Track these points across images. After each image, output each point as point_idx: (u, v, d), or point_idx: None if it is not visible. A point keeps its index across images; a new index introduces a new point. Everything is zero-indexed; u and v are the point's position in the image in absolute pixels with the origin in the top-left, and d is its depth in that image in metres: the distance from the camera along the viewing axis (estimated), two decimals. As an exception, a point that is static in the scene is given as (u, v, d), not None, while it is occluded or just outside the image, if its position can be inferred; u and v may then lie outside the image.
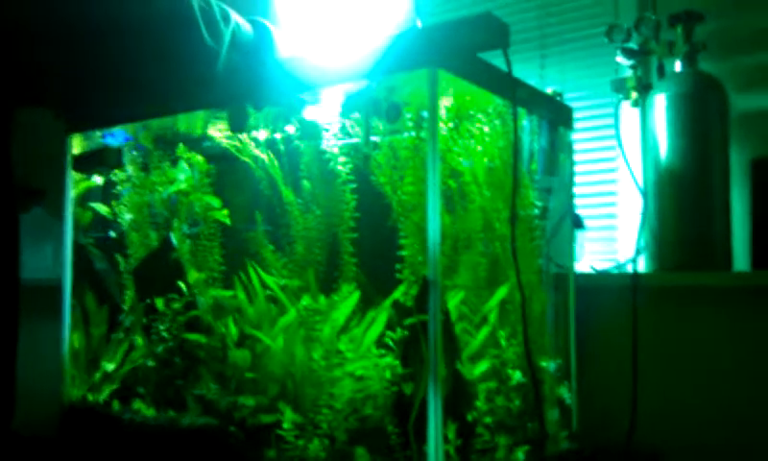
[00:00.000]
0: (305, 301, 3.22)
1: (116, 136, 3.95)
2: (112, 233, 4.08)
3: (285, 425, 3.02)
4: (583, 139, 4.11)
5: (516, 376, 3.12)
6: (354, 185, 3.63)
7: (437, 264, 2.60)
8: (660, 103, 3.31)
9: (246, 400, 3.18)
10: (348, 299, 3.30)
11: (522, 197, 3.47)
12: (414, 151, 3.10)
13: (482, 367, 2.99)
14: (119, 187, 4.06)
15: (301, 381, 3.24)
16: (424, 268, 2.78)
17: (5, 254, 3.28)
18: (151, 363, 3.63)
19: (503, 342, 3.22)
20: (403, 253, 3.16)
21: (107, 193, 4.15)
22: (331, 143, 3.68)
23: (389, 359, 2.95)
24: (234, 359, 3.36)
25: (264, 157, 3.89)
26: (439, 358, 2.55)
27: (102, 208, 4.06)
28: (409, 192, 3.12)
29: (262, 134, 3.92)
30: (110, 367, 3.66)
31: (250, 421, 3.17)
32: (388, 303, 3.14)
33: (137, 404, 3.57)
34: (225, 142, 3.90)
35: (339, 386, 3.07)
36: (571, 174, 3.75)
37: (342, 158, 3.64)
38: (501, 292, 3.25)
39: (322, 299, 3.25)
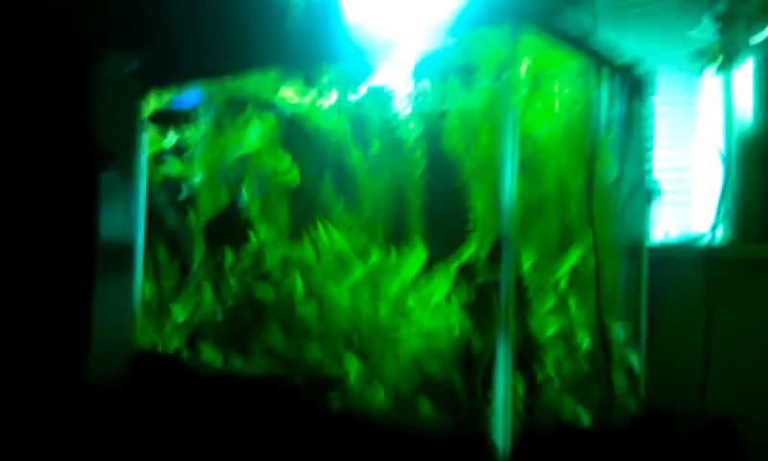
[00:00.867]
0: (374, 257, 3.24)
1: (189, 97, 4.04)
2: (184, 192, 4.17)
3: (351, 377, 3.06)
4: (659, 107, 4.01)
5: (586, 340, 3.08)
6: (423, 148, 3.63)
7: (511, 221, 2.59)
8: (747, 68, 3.19)
9: (313, 350, 3.23)
10: (416, 256, 3.31)
11: (598, 163, 3.41)
12: (490, 110, 3.08)
13: (552, 329, 2.96)
14: (191, 147, 4.14)
15: (368, 336, 3.26)
16: (496, 227, 2.77)
17: (85, 212, 3.40)
18: (219, 315, 3.70)
19: (573, 307, 3.18)
20: (473, 213, 3.15)
21: (179, 153, 4.24)
22: (401, 107, 3.68)
23: (457, 315, 2.95)
24: (301, 313, 3.41)
25: (333, 118, 3.92)
26: (510, 313, 2.54)
27: (174, 167, 4.15)
28: (484, 151, 3.11)
29: (332, 98, 3.95)
30: (181, 317, 3.76)
31: (316, 371, 3.21)
32: (456, 262, 3.14)
33: (206, 353, 3.65)
34: (294, 102, 3.95)
35: (405, 341, 3.09)
36: (647, 142, 3.67)
37: (411, 123, 3.64)
38: (573, 257, 3.21)
39: (391, 254, 3.27)
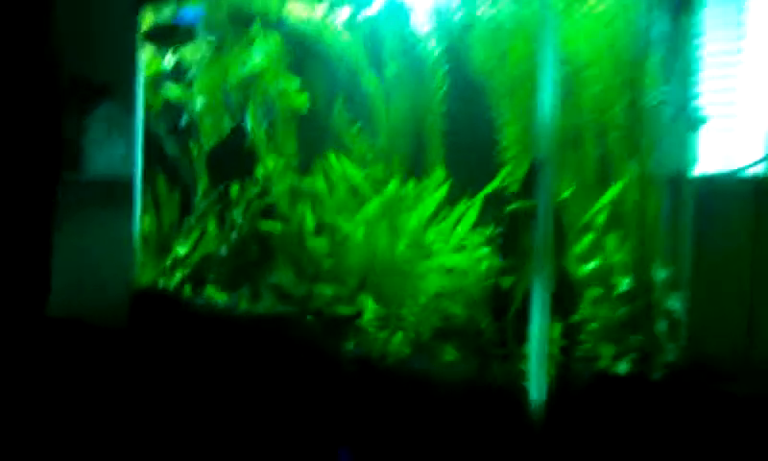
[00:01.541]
0: (391, 188, 2.95)
1: (189, 14, 3.70)
2: (185, 119, 3.86)
3: (366, 317, 2.80)
4: (707, 25, 3.64)
5: (624, 282, 2.81)
6: (445, 68, 3.31)
7: (550, 143, 2.28)
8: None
9: (323, 288, 2.97)
10: (437, 187, 3.03)
11: (641, 86, 3.08)
12: (525, 21, 2.74)
13: (589, 268, 2.68)
14: (192, 70, 3.82)
15: (384, 273, 3.00)
16: (529, 154, 2.47)
17: (44, 141, 3.10)
18: (224, 250, 3.44)
19: (611, 245, 2.90)
20: (503, 137, 2.85)
21: (178, 76, 3.91)
22: (420, 22, 3.35)
23: (483, 250, 2.68)
24: (312, 247, 3.14)
25: (346, 37, 3.59)
26: (548, 248, 2.26)
27: (174, 91, 3.83)
28: (516, 68, 2.78)
29: (344, 14, 3.60)
30: (182, 252, 3.50)
31: (327, 311, 2.96)
32: (482, 193, 2.86)
33: (209, 291, 3.41)
34: (303, 20, 3.61)
35: (425, 279, 2.82)
36: (693, 63, 3.32)
37: (432, 40, 3.31)
38: (613, 190, 2.90)
39: (409, 185, 2.98)
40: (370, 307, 2.79)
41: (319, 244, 3.11)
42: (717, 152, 3.66)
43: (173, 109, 3.91)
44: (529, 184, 2.36)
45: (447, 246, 2.86)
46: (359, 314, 2.82)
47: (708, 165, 3.52)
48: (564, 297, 2.48)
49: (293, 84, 3.57)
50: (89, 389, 2.95)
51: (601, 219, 2.91)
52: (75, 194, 3.59)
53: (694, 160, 3.33)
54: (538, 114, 2.29)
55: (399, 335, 2.70)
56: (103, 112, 3.74)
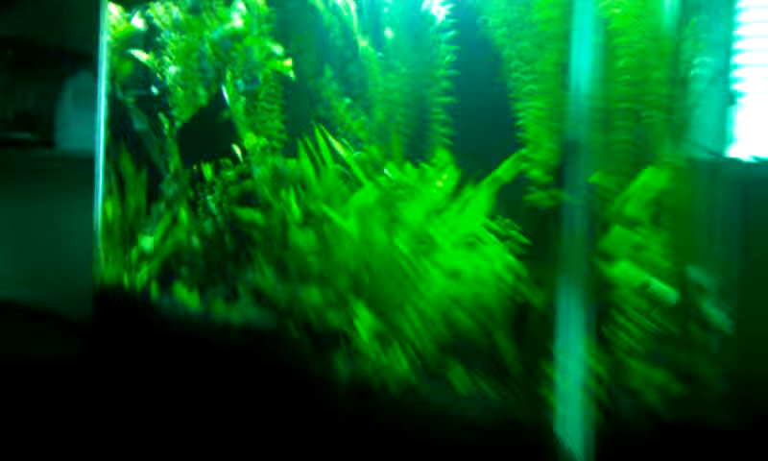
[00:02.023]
0: (391, 171, 2.51)
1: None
2: (155, 89, 3.40)
3: (360, 330, 2.37)
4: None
5: (662, 288, 2.37)
6: (453, 33, 2.84)
7: (586, 123, 1.84)
8: None
9: (310, 292, 2.54)
10: (444, 174, 2.58)
11: (677, 58, 2.62)
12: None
13: (626, 272, 2.25)
14: (163, 34, 3.34)
15: (380, 274, 2.56)
16: (556, 136, 2.03)
17: None
18: (196, 242, 3.00)
19: (637, 239, 2.46)
20: (522, 118, 2.40)
21: (149, 41, 3.44)
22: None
23: (499, 252, 2.24)
24: (296, 241, 2.70)
25: (337, -2, 3.11)
26: (583, 249, 1.82)
27: (143, 57, 3.36)
28: (540, 35, 2.32)
29: None
30: (149, 244, 3.05)
31: (314, 320, 2.53)
32: (498, 183, 2.41)
33: (179, 289, 2.97)
34: (290, -23, 3.13)
35: (430, 285, 2.39)
36: (735, 28, 2.87)
37: None
38: (645, 176, 2.46)
39: (409, 168, 2.54)
40: (364, 318, 2.36)
41: (304, 237, 2.67)
42: (760, 131, 3.21)
43: (141, 78, 3.44)
44: (558, 171, 1.92)
45: (457, 246, 2.42)
46: (353, 326, 2.38)
47: (752, 147, 3.08)
48: (600, 309, 2.05)
49: (276, 49, 3.10)
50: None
51: (630, 210, 2.47)
52: (40, 171, 3.16)
53: (734, 141, 2.89)
54: (571, 87, 1.84)
55: (400, 353, 2.27)
56: (69, 81, 3.28)
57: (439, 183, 2.64)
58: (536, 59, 2.34)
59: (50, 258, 2.95)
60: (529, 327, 2.02)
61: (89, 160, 3.27)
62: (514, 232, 2.29)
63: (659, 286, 2.38)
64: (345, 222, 2.61)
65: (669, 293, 2.37)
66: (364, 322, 2.37)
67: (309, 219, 2.79)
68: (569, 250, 1.78)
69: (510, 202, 2.43)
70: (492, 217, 2.49)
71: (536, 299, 2.04)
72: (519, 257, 2.13)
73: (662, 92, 2.55)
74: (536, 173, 2.21)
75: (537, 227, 2.06)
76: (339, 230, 2.63)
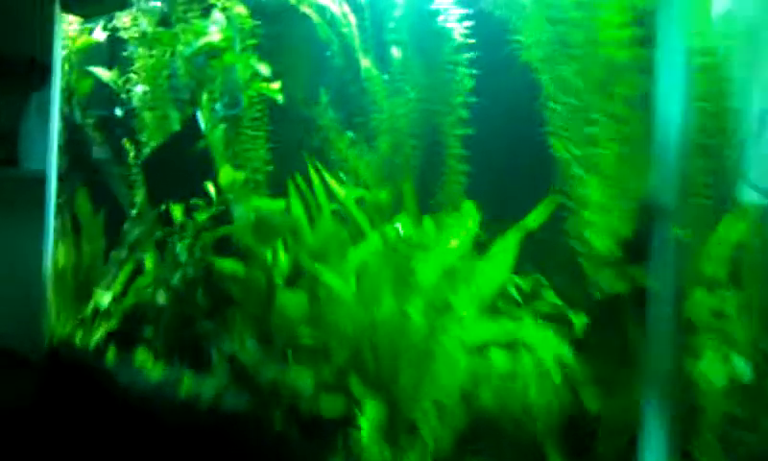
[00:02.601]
0: (402, 224, 2.02)
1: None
2: (119, 111, 2.91)
3: (361, 421, 1.88)
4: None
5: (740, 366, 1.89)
6: (475, 54, 2.40)
7: (675, 175, 1.37)
8: None
9: (300, 375, 2.03)
10: (464, 222, 2.11)
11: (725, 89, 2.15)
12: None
13: (706, 366, 1.76)
14: (129, 46, 2.86)
15: (387, 350, 2.07)
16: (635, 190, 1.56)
17: None
18: (162, 297, 2.49)
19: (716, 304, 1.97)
20: (572, 162, 1.92)
21: (113, 55, 2.95)
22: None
23: (537, 327, 1.76)
24: (284, 305, 2.20)
25: (336, 9, 2.65)
26: (670, 348, 1.34)
27: (105, 75, 2.87)
28: (597, 56, 1.85)
29: None
30: (106, 300, 2.55)
31: (304, 405, 2.03)
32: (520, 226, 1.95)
33: (141, 356, 2.46)
34: (280, -16, 2.67)
35: (450, 366, 1.90)
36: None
37: (457, 10, 2.40)
38: (723, 227, 1.97)
39: (427, 223, 2.06)
40: (370, 406, 1.86)
41: (293, 300, 2.17)
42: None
43: (104, 98, 2.95)
44: (635, 244, 1.44)
45: (483, 315, 1.94)
46: (352, 414, 1.89)
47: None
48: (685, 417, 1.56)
49: (262, 68, 2.61)
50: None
51: (709, 268, 1.99)
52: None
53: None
54: (657, 132, 1.37)
55: (414, 456, 1.78)
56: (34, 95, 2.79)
57: (458, 235, 2.15)
58: (591, 89, 1.87)
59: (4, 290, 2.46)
60: (590, 441, 1.53)
61: (31, 190, 2.77)
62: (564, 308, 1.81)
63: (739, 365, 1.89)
64: (343, 283, 2.11)
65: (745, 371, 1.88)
66: (367, 411, 1.87)
67: (300, 277, 2.29)
68: (654, 349, 1.30)
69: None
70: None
71: (595, 404, 1.56)
72: (573, 345, 1.64)
73: (737, 126, 2.09)
74: (600, 242, 1.72)
75: (600, 310, 1.57)
76: (336, 292, 2.13)
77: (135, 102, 2.83)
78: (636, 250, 1.46)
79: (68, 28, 2.89)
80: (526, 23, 2.13)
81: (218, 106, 2.68)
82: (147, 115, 2.78)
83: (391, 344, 2.03)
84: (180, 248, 2.46)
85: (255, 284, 2.34)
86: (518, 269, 2.16)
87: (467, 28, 2.38)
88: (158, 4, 2.84)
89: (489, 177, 2.43)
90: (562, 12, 1.98)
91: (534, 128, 2.15)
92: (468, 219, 2.15)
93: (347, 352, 2.08)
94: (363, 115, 2.67)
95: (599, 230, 1.71)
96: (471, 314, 2.01)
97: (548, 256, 2.26)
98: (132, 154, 2.78)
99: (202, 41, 2.54)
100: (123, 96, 2.89)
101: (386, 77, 2.61)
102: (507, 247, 2.10)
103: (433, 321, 2.00)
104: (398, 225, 2.05)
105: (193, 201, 2.46)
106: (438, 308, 2.02)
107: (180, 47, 2.69)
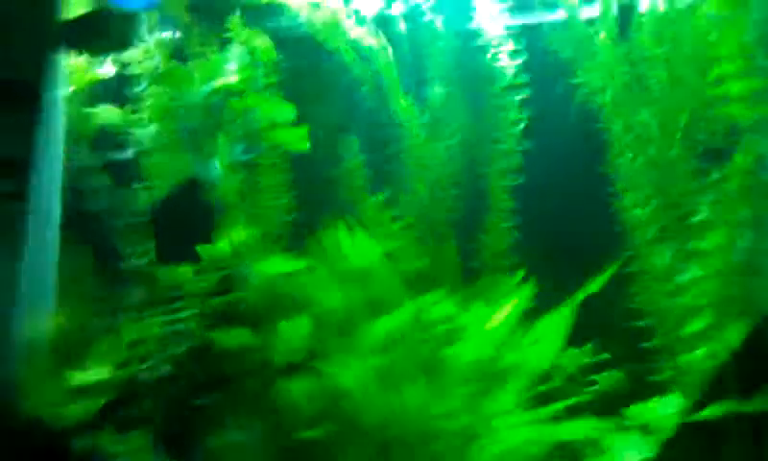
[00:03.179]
0: (440, 301, 1.65)
1: (132, 0, 2.45)
2: (127, 153, 2.62)
3: None
4: None
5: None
6: (527, 94, 2.04)
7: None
8: None
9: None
10: (515, 297, 1.74)
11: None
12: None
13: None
14: (139, 83, 2.57)
15: (416, 453, 1.67)
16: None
17: None
18: (162, 372, 2.16)
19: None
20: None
21: (123, 92, 2.67)
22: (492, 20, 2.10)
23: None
24: (291, 396, 1.82)
25: (371, 42, 2.34)
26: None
27: (110, 114, 2.59)
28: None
29: (369, 5, 2.36)
30: (99, 375, 2.22)
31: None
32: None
33: (135, 442, 2.11)
34: (305, 11, 2.36)
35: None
36: None
37: (509, 45, 2.06)
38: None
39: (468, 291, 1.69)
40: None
41: (299, 388, 1.80)
42: None
43: (110, 140, 2.66)
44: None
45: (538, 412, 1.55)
46: None
47: None
48: None
49: (286, 109, 2.28)
50: None
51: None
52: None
53: None
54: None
55: None
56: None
57: (506, 309, 1.77)
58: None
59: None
60: None
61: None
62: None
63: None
64: (362, 380, 1.72)
65: None
66: None
67: (310, 357, 1.92)
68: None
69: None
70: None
71: None
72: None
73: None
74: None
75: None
76: (358, 379, 1.75)
77: (146, 143, 2.53)
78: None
79: (75, 63, 2.61)
80: (595, 63, 1.76)
81: (236, 150, 2.36)
82: (156, 160, 2.47)
83: (420, 445, 1.64)
84: (184, 315, 2.12)
85: (264, 365, 1.97)
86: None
87: (520, 65, 2.03)
88: (174, 34, 2.56)
89: (540, 235, 2.06)
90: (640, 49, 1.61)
91: (596, 181, 1.78)
92: (519, 289, 1.78)
93: (367, 453, 1.69)
94: (398, 162, 2.32)
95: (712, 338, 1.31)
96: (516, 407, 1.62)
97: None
98: (137, 202, 2.47)
99: (219, 81, 2.23)
100: (132, 137, 2.60)
101: (425, 119, 2.27)
102: (560, 321, 1.71)
103: (472, 420, 1.61)
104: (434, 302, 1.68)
105: (199, 261, 2.12)
106: (477, 403, 1.63)
107: (195, 85, 2.38)
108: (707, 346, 1.30)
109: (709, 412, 1.19)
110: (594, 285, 1.73)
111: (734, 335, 1.22)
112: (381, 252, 2.01)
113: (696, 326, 1.33)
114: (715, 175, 1.36)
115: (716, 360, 1.25)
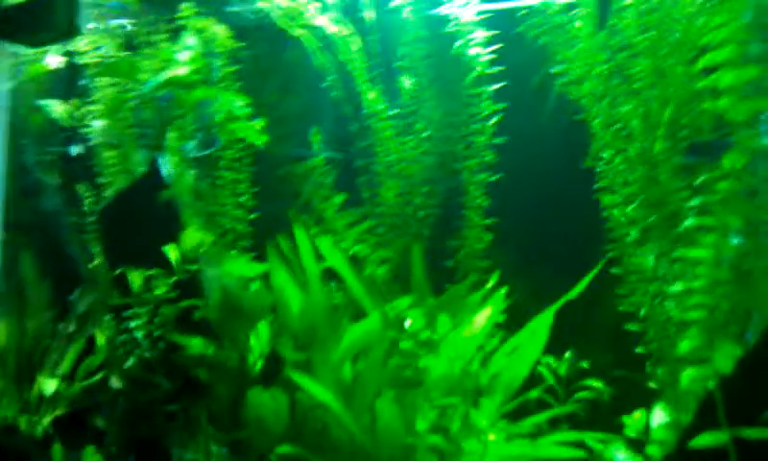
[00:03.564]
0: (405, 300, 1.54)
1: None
2: (75, 149, 2.46)
3: None
4: None
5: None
6: (502, 84, 1.94)
7: None
8: None
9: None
10: (487, 305, 1.63)
11: None
12: None
13: None
14: (87, 75, 2.41)
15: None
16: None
17: None
18: (117, 383, 2.02)
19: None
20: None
21: (72, 84, 2.51)
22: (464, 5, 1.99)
23: None
24: (259, 410, 1.69)
25: (335, 29, 2.21)
26: None
27: (57, 109, 2.42)
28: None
29: None
30: (51, 387, 2.07)
31: None
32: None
33: (90, 458, 1.97)
34: (265, 1, 2.21)
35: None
36: None
37: (480, 32, 1.94)
38: None
39: (442, 319, 1.56)
40: None
41: (269, 406, 1.67)
42: None
43: (57, 135, 2.50)
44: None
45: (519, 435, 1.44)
46: None
47: None
48: None
49: (239, 99, 2.13)
50: None
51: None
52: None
53: None
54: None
55: None
56: None
57: (481, 317, 1.66)
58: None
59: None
60: None
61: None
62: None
63: None
64: (332, 392, 1.60)
65: None
66: None
67: (280, 365, 1.80)
68: None
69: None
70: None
71: None
72: None
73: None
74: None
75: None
76: (321, 386, 1.63)
77: (92, 140, 2.37)
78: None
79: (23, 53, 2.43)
80: (573, 52, 1.64)
81: (189, 146, 2.20)
82: (106, 156, 2.31)
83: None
84: (138, 324, 1.98)
85: (225, 375, 1.84)
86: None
87: (493, 53, 1.91)
88: (124, 22, 2.39)
89: (518, 235, 1.95)
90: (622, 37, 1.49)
91: (575, 178, 1.67)
92: (493, 296, 1.67)
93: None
94: (366, 156, 2.20)
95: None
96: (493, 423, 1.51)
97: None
98: (87, 204, 2.31)
99: (166, 74, 2.06)
100: (81, 132, 2.43)
101: (396, 111, 2.15)
102: (539, 329, 1.61)
103: (447, 436, 1.50)
104: (408, 321, 1.56)
105: (149, 272, 1.97)
106: (452, 418, 1.52)
107: (145, 76, 2.22)
108: (698, 367, 1.20)
109: (703, 441, 1.09)
110: (575, 290, 1.63)
111: (728, 354, 1.12)
112: (346, 254, 1.88)
113: (686, 344, 1.23)
114: (703, 175, 1.26)
115: (708, 381, 1.15)
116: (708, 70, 1.30)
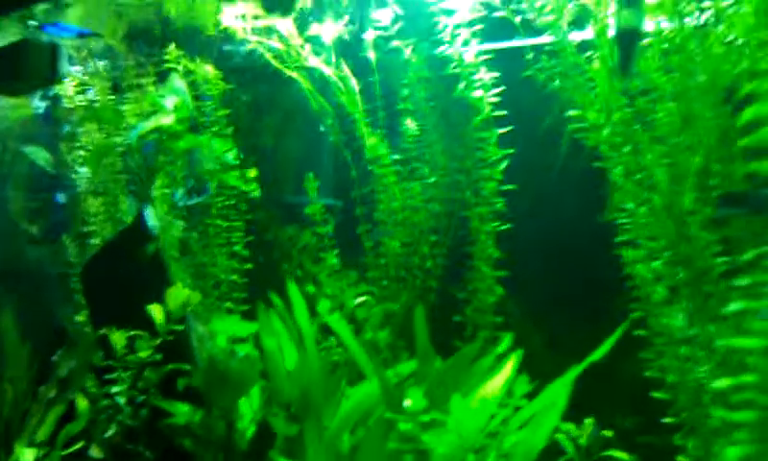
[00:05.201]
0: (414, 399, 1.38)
1: (63, 29, 2.16)
2: (61, 197, 2.33)
3: None
4: None
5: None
6: (511, 127, 1.81)
7: None
8: None
9: None
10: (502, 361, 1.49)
11: None
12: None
13: None
14: (72, 120, 2.29)
15: None
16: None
17: None
18: (97, 453, 1.86)
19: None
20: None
21: (56, 131, 2.39)
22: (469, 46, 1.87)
23: None
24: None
25: (330, 71, 2.08)
26: None
27: (40, 154, 2.30)
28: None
29: (329, 31, 2.11)
30: (29, 457, 1.92)
31: None
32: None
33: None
34: (257, 43, 2.09)
35: None
36: None
37: (484, 73, 1.82)
38: None
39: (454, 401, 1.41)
40: None
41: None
42: None
43: (42, 180, 2.39)
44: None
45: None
46: None
47: None
48: None
49: (226, 146, 2.00)
50: None
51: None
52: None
53: None
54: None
55: None
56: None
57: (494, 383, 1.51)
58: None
59: None
60: None
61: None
62: None
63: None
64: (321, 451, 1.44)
65: None
66: None
67: (270, 436, 1.64)
68: None
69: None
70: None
71: None
72: None
73: None
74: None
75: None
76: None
77: (77, 187, 2.24)
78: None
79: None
80: (589, 96, 1.50)
81: (178, 194, 2.07)
82: (90, 206, 2.18)
83: None
84: (118, 389, 1.82)
85: (211, 446, 1.68)
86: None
87: (500, 95, 1.78)
88: (111, 65, 2.28)
89: (531, 290, 1.80)
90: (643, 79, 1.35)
91: (593, 230, 1.53)
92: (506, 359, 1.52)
93: None
94: (366, 204, 2.06)
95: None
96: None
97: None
98: (72, 256, 2.17)
99: (152, 122, 1.93)
100: (67, 179, 2.31)
101: (397, 157, 2.02)
102: (557, 395, 1.45)
103: None
104: (407, 402, 1.40)
105: (134, 332, 1.83)
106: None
107: (130, 122, 2.10)
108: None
109: None
110: (598, 353, 1.49)
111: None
112: (343, 313, 1.73)
113: (734, 452, 1.06)
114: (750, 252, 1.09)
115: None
116: (738, 108, 1.16)
